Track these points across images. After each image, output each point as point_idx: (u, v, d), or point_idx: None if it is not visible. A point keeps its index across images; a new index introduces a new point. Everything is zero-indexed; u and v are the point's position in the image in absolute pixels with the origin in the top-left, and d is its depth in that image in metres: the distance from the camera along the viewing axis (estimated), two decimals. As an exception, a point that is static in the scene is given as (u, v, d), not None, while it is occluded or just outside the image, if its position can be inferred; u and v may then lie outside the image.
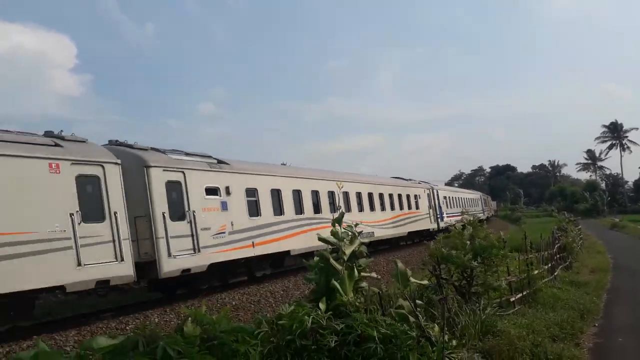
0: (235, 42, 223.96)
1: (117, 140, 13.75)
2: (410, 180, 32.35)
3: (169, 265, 12.54)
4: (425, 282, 7.63)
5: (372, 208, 25.01)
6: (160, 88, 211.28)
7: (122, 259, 11.36)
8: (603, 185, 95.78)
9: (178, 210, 13.30)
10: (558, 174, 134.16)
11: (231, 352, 4.55)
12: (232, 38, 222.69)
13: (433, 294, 8.54)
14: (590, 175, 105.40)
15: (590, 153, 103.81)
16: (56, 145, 11.01)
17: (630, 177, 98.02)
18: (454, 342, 6.27)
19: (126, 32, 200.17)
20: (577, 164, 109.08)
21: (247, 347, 4.72)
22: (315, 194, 20.18)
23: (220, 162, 15.78)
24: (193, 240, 13.38)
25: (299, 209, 18.85)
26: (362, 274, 7.37)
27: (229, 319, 6.18)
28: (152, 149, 13.89)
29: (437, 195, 29.47)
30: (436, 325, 6.08)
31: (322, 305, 5.91)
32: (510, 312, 9.26)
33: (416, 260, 18.89)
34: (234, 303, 13.52)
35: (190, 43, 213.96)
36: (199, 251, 13.46)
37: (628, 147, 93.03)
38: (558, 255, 16.83)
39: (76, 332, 10.62)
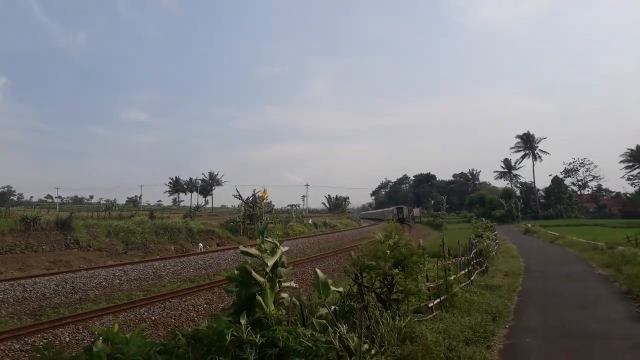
0: (165, 42, 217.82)
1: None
2: None
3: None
4: (340, 289, 7.71)
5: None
6: (86, 92, 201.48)
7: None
8: (518, 192, 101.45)
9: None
10: (477, 182, 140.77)
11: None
12: (162, 38, 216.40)
13: (355, 302, 8.64)
14: (507, 184, 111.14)
15: (506, 162, 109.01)
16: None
17: (541, 184, 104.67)
18: (373, 351, 6.37)
19: (49, 34, 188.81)
20: (495, 171, 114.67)
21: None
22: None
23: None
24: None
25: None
26: (283, 284, 7.33)
27: (142, 337, 5.94)
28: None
29: None
30: (355, 335, 6.15)
31: (242, 319, 5.82)
32: (428, 317, 9.53)
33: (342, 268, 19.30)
34: (153, 318, 13.02)
35: (119, 44, 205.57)
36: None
37: (539, 157, 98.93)
38: (475, 261, 17.62)
39: (-24, 356, 9.84)
